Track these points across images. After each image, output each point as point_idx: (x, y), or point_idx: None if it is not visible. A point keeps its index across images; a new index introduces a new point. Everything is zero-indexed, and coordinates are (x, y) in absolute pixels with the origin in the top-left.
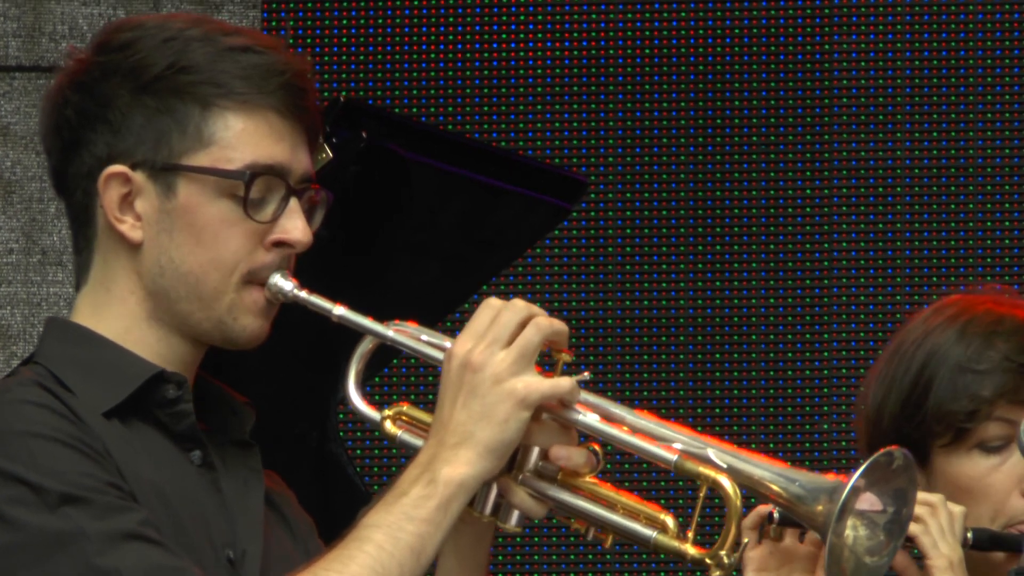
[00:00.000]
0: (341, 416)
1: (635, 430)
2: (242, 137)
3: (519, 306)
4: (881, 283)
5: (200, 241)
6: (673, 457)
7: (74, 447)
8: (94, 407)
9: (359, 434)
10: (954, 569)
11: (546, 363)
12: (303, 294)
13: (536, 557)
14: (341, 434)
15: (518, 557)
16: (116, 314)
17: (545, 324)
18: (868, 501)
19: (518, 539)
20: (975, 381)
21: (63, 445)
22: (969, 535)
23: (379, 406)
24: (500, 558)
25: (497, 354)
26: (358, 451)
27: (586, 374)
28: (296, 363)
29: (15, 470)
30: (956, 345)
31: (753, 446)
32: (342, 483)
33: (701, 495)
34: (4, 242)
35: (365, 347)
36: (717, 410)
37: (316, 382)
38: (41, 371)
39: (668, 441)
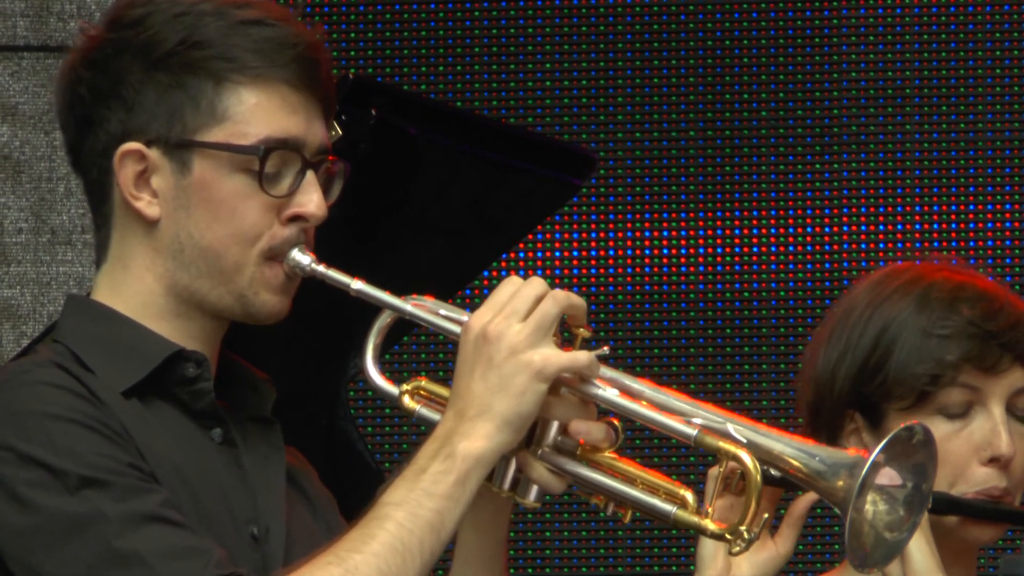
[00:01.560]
0: (352, 394)
1: (654, 405)
2: (256, 111)
3: (538, 282)
4: (892, 259)
5: (218, 216)
6: (693, 432)
7: (93, 428)
8: (113, 386)
9: (370, 411)
10: (922, 527)
11: (565, 340)
12: (321, 268)
13: (548, 533)
14: (352, 412)
15: (529, 534)
16: (135, 291)
17: (562, 297)
18: (888, 476)
19: (530, 515)
20: (940, 346)
21: (82, 426)
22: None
23: (394, 381)
24: (512, 534)
25: (514, 326)
26: (369, 428)
27: (605, 348)
28: (306, 341)
29: (34, 452)
30: (919, 309)
31: (764, 421)
32: (353, 461)
33: (721, 470)
34: (13, 222)
35: (383, 321)
36: (728, 386)
37: (326, 360)
38: (60, 349)
39: (688, 416)
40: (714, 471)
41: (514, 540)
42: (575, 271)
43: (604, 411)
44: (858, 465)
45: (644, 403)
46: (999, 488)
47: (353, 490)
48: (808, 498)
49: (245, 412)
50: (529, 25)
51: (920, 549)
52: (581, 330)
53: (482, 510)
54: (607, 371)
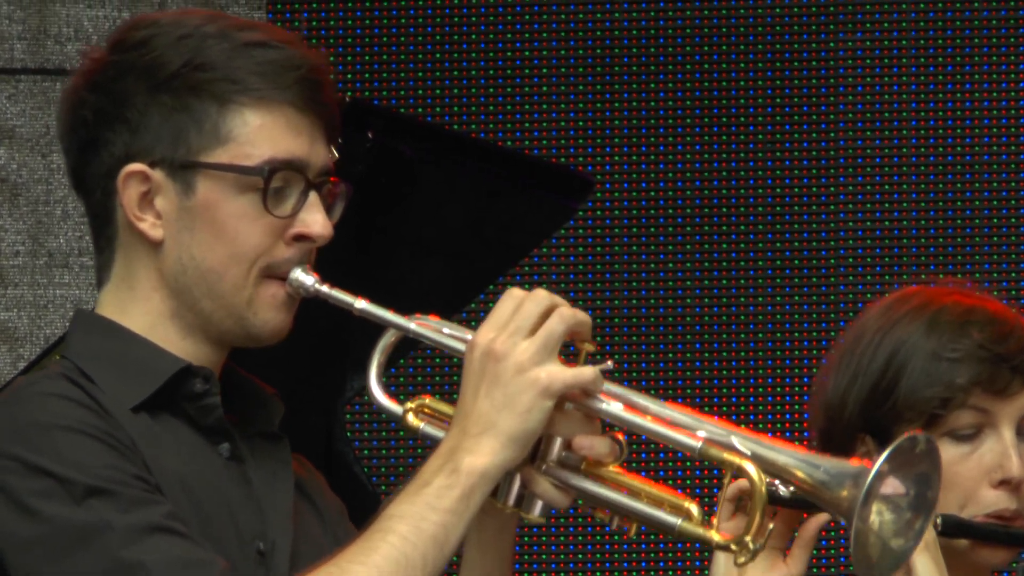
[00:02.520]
0: (349, 416)
1: (659, 418)
2: (260, 133)
3: (541, 296)
4: (888, 280)
5: (220, 237)
6: (697, 444)
7: (100, 439)
8: (121, 402)
9: (366, 434)
10: (929, 548)
11: (569, 356)
12: (325, 288)
13: (554, 547)
14: (348, 434)
15: (535, 547)
16: (141, 311)
17: (569, 314)
18: (892, 485)
19: (535, 530)
20: (950, 369)
21: (89, 437)
22: (938, 520)
23: (398, 399)
24: (517, 548)
25: (520, 344)
26: (365, 451)
27: (609, 363)
28: (303, 363)
29: (41, 462)
30: (928, 333)
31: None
32: (350, 483)
33: (726, 482)
34: (10, 244)
35: (387, 340)
36: (725, 408)
37: (323, 382)
38: (68, 365)
39: (692, 428)
40: (728, 492)
41: (519, 554)
42: (572, 293)
43: (608, 425)
44: (862, 475)
45: (648, 417)
46: (1010, 510)
47: (350, 513)
48: (819, 519)
49: (254, 427)
50: (526, 48)
51: (928, 571)
52: (587, 345)
53: (486, 527)
54: (611, 386)
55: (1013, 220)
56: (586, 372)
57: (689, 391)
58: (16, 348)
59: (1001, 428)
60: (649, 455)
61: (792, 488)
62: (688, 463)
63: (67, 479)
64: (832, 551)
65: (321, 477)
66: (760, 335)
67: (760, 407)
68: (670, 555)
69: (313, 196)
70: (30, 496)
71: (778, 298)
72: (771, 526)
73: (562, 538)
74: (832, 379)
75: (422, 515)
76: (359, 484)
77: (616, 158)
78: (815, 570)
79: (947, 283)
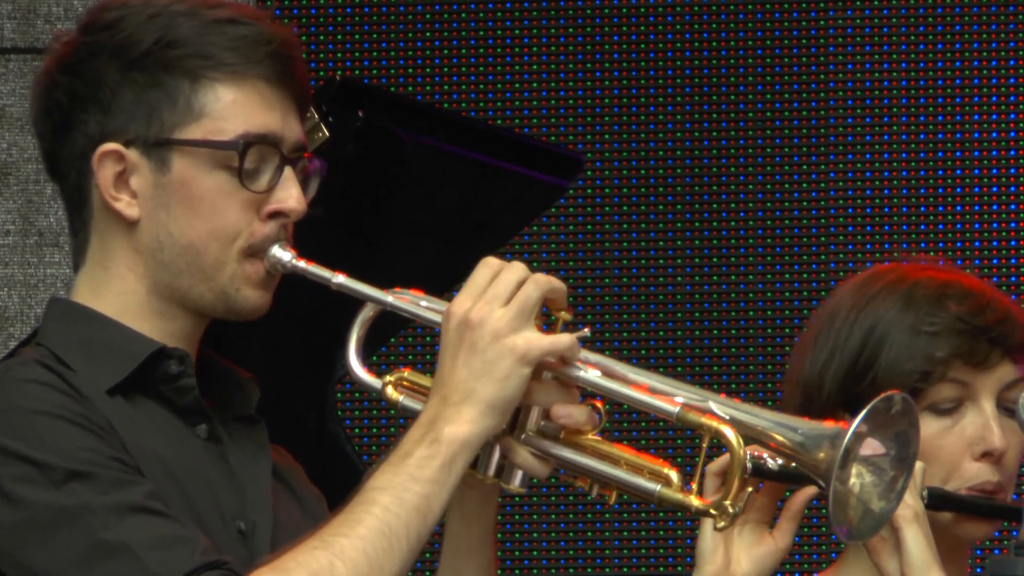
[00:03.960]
0: (339, 396)
1: (636, 385)
2: (233, 108)
3: (518, 267)
4: (879, 258)
5: (198, 213)
6: (675, 409)
7: (77, 423)
8: (97, 385)
9: (357, 413)
10: (919, 520)
11: (546, 324)
12: (302, 264)
13: (536, 517)
14: (340, 413)
15: (517, 517)
16: (116, 292)
17: (543, 280)
18: (871, 447)
19: (517, 500)
20: (929, 342)
21: (66, 421)
22: (924, 493)
23: (377, 374)
24: (500, 519)
25: (496, 311)
26: (356, 430)
27: (586, 331)
28: (293, 343)
29: (19, 448)
30: (905, 308)
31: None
32: (341, 462)
33: (704, 447)
34: (1, 224)
35: (365, 314)
36: (715, 386)
37: (313, 362)
38: (43, 351)
39: (669, 394)
40: (713, 466)
41: (501, 525)
42: (562, 272)
43: (587, 393)
44: (839, 436)
45: (626, 383)
46: (992, 483)
47: (341, 492)
48: (806, 492)
49: (230, 411)
50: (516, 27)
51: (918, 544)
52: (563, 313)
53: (468, 499)
54: (588, 354)
55: (996, 200)
56: (563, 339)
57: (680, 367)
58: (6, 327)
59: (981, 401)
60: (631, 423)
61: (769, 455)
62: (669, 431)
63: (46, 464)
64: (823, 529)
65: (299, 468)
66: (751, 312)
67: (752, 383)
68: (652, 524)
69: (288, 171)
70: (10, 482)
71: (769, 275)
72: (750, 490)
73: (545, 509)
74: (808, 357)
75: (404, 486)
76: (351, 463)
77: (607, 136)
78: (804, 547)
79: (919, 260)
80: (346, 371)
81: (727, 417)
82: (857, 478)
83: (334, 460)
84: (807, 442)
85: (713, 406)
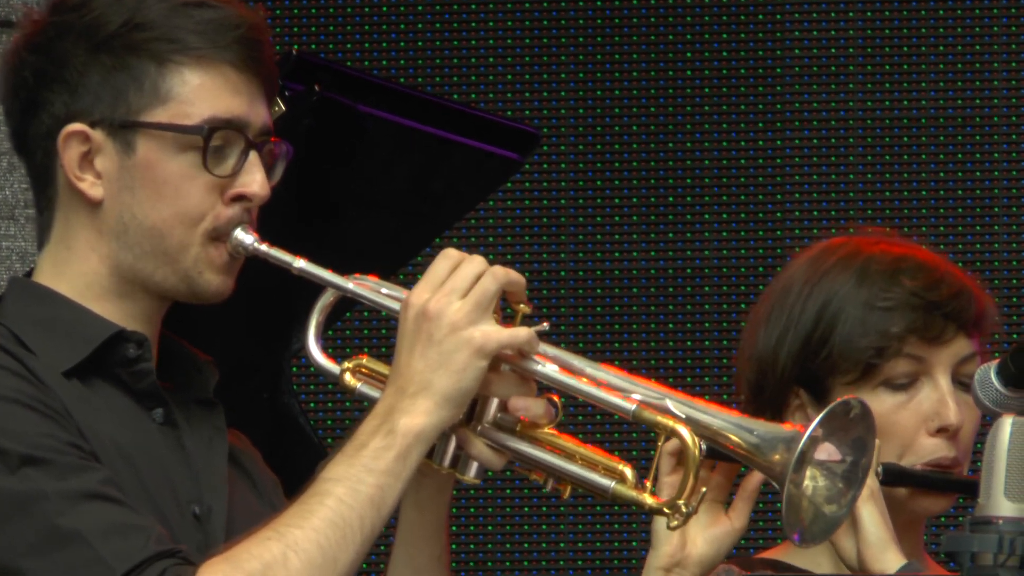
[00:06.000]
0: (295, 370)
1: (594, 380)
2: (199, 92)
3: (477, 260)
4: (833, 231)
5: (162, 197)
6: (631, 407)
7: (34, 408)
8: (54, 367)
9: (312, 387)
10: (875, 498)
11: (506, 316)
12: (264, 247)
13: (491, 510)
14: (295, 387)
15: (472, 510)
16: (77, 272)
17: (501, 273)
18: (826, 451)
19: (473, 491)
20: (883, 318)
21: (22, 406)
22: (880, 469)
23: (336, 359)
24: (455, 510)
25: (454, 303)
26: (312, 404)
27: (544, 324)
28: (249, 317)
29: None
30: (859, 283)
31: (707, 397)
32: (296, 436)
33: (660, 445)
34: None
35: (325, 300)
36: (671, 362)
37: (269, 336)
38: (2, 330)
39: (627, 392)
40: (668, 446)
41: (456, 516)
42: (518, 247)
43: (544, 387)
44: (795, 439)
45: (584, 379)
46: (948, 458)
47: (295, 465)
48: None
49: (188, 394)
50: (472, 2)
51: (873, 520)
52: (521, 306)
53: (423, 488)
54: (547, 347)
55: (949, 173)
56: (521, 333)
57: (635, 343)
58: None
59: (937, 376)
60: (587, 417)
61: (727, 452)
62: (625, 426)
63: (1, 449)
64: (778, 506)
65: (257, 452)
66: (707, 287)
67: (707, 358)
68: (607, 517)
69: (253, 156)
70: None
71: (724, 251)
72: (704, 490)
73: (500, 500)
74: (761, 333)
75: (359, 477)
76: (305, 437)
77: (563, 112)
78: (760, 523)
79: (871, 232)
80: (301, 344)
81: (683, 416)
82: (811, 481)
83: (289, 433)
84: (763, 444)
85: (670, 404)
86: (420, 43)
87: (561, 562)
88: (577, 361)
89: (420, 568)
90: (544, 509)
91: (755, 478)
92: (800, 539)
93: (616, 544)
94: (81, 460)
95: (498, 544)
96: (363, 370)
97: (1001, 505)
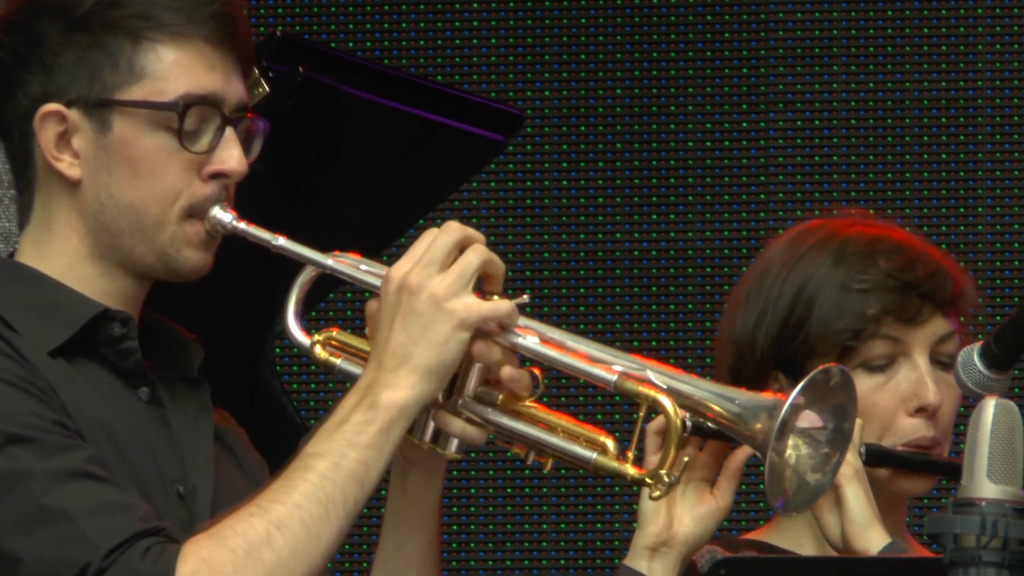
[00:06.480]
0: (278, 350)
1: (575, 353)
2: (174, 68)
3: (453, 228)
4: (819, 214)
5: (138, 174)
6: (613, 377)
7: (19, 387)
8: (40, 346)
9: (295, 368)
10: (859, 476)
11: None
12: (242, 225)
13: (474, 490)
14: (278, 368)
15: (455, 490)
16: (59, 252)
17: (483, 250)
18: (808, 419)
19: (456, 472)
20: (860, 300)
21: (8, 385)
22: (862, 449)
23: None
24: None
25: (434, 276)
26: (295, 385)
27: (525, 297)
28: (232, 296)
29: None
30: (836, 265)
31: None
32: (278, 416)
33: (641, 416)
34: None
35: (305, 277)
36: (654, 343)
37: (252, 315)
38: None
39: (608, 363)
40: (653, 426)
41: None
42: (502, 229)
43: (525, 360)
44: (776, 407)
45: (565, 351)
46: (927, 438)
47: (277, 445)
48: (745, 450)
49: (174, 372)
50: None
51: (857, 498)
52: (495, 297)
53: (411, 475)
54: (527, 321)
55: (932, 154)
56: (502, 305)
57: (618, 323)
58: None
59: (915, 356)
60: (564, 397)
61: (708, 422)
62: (605, 398)
63: None
64: (761, 486)
65: (243, 432)
66: (690, 270)
67: (690, 339)
68: (591, 499)
69: (229, 132)
70: None
71: (708, 233)
72: (686, 459)
73: (483, 481)
74: (740, 316)
75: (341, 452)
76: (287, 417)
77: (546, 93)
78: (742, 504)
79: (848, 214)
80: (284, 327)
81: (665, 386)
82: (794, 450)
83: (271, 413)
84: (744, 413)
85: (651, 375)
86: (404, 24)
87: (544, 543)
88: (558, 334)
89: (409, 557)
90: (527, 490)
91: (739, 457)
92: (783, 507)
93: (599, 525)
94: (67, 439)
95: (481, 525)
96: (334, 342)
97: (984, 487)
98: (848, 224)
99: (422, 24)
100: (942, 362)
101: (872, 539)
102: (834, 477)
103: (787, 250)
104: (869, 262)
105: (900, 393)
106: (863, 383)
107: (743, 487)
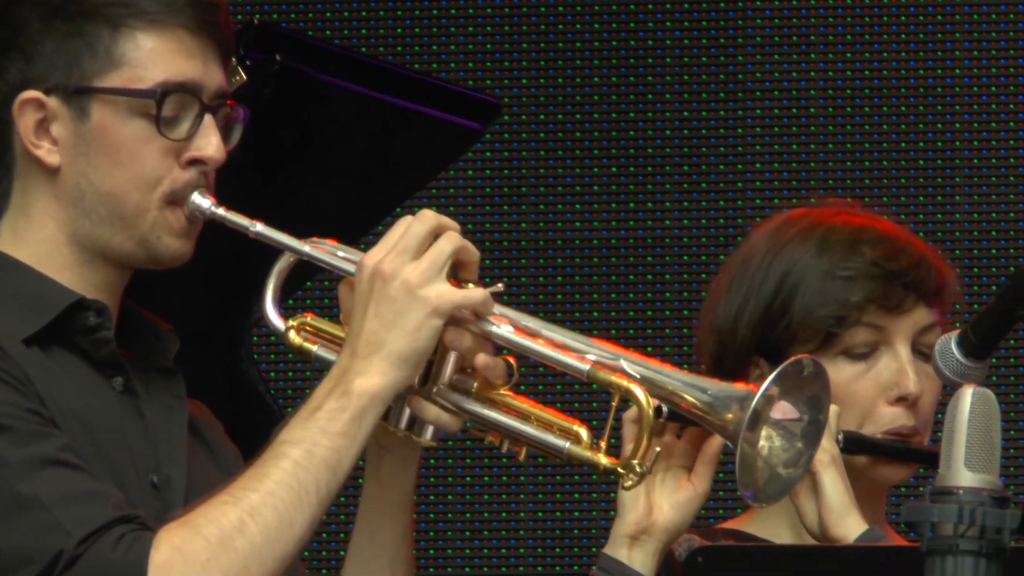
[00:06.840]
0: (255, 338)
1: (549, 342)
2: (153, 56)
3: (428, 215)
4: (796, 203)
5: (117, 162)
6: (586, 367)
7: None
8: (14, 334)
9: (273, 356)
10: (836, 464)
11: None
12: (221, 211)
13: (451, 479)
14: (255, 356)
15: (433, 479)
16: (36, 240)
17: (457, 238)
18: (782, 410)
19: (432, 460)
20: (843, 287)
21: None
22: (840, 437)
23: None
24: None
25: (408, 263)
26: (272, 373)
27: (500, 285)
28: (210, 284)
29: None
30: (820, 253)
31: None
32: (255, 404)
33: (613, 405)
34: None
35: (283, 263)
36: (631, 331)
37: (229, 303)
38: None
39: (581, 352)
40: (629, 414)
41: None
42: (479, 217)
43: (499, 349)
44: (748, 398)
45: (538, 339)
46: (907, 427)
47: (254, 434)
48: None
49: (149, 362)
50: None
51: (835, 486)
52: (471, 285)
53: (385, 462)
54: (501, 308)
55: (910, 143)
56: (476, 293)
57: (595, 312)
58: None
59: (896, 345)
60: (540, 386)
61: (681, 411)
62: (580, 387)
63: None
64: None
65: (218, 422)
66: (668, 258)
67: (667, 328)
68: (568, 487)
69: (208, 119)
70: None
71: (685, 221)
72: (658, 449)
73: (460, 469)
74: (722, 303)
75: (314, 440)
76: (264, 405)
77: (523, 81)
78: (720, 493)
79: (832, 204)
80: (262, 314)
81: (637, 376)
82: (766, 441)
83: (248, 401)
84: (716, 403)
85: (624, 365)
86: (381, 12)
87: (521, 531)
88: (532, 322)
89: (383, 544)
90: (504, 479)
91: (716, 442)
92: (753, 497)
93: (576, 513)
94: (41, 427)
95: (458, 513)
96: (308, 328)
97: (961, 475)
98: (833, 213)
99: (399, 12)
100: (924, 352)
101: (849, 526)
102: (807, 470)
103: (771, 238)
104: (854, 250)
105: (881, 382)
106: (844, 371)
107: (721, 476)
